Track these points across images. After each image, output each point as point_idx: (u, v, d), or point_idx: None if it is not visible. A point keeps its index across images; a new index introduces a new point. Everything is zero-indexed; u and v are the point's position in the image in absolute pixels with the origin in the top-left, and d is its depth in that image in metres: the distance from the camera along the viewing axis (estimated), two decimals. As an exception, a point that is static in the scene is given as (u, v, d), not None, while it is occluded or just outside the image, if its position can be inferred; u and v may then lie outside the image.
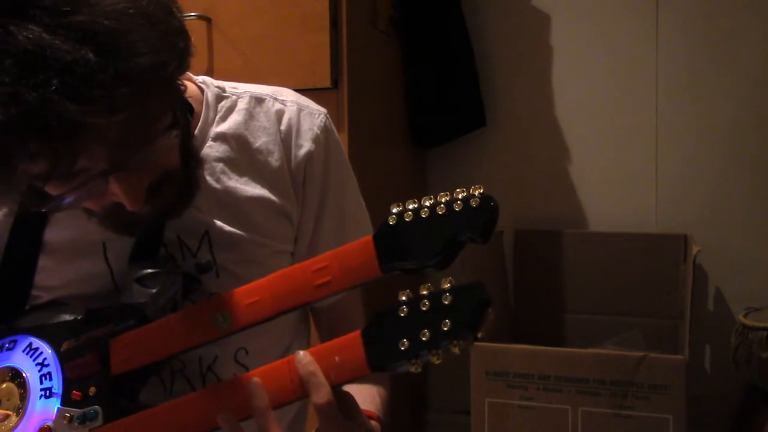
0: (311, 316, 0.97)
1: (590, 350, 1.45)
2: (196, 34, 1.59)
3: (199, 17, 1.57)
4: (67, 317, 0.77)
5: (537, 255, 1.92)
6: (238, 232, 0.82)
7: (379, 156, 1.72)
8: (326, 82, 1.51)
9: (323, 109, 0.91)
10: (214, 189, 0.82)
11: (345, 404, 0.67)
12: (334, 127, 0.91)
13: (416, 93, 1.87)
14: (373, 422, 0.75)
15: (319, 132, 0.88)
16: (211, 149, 0.83)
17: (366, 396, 0.83)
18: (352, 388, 0.70)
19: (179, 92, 0.75)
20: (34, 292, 0.81)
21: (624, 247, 1.84)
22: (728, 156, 1.82)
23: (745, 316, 1.57)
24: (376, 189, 1.74)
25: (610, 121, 1.91)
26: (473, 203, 0.61)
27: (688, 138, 1.85)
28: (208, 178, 0.82)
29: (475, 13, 1.96)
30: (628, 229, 1.87)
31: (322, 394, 0.64)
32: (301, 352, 0.66)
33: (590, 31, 1.91)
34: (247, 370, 0.84)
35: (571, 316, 1.88)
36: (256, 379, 0.66)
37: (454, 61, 1.89)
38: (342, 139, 1.53)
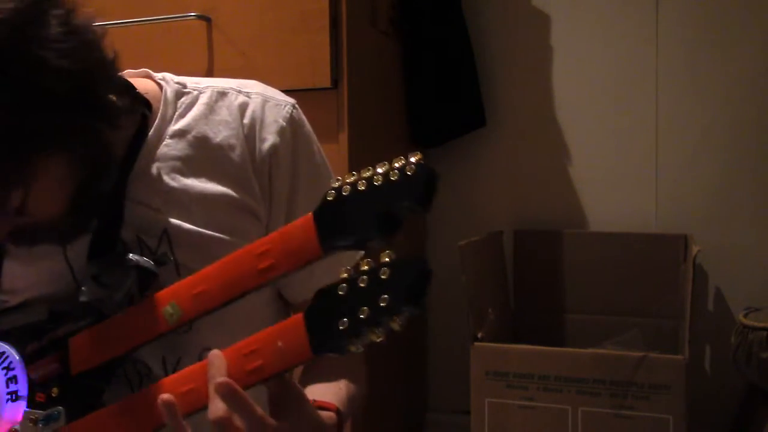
0: (291, 312, 0.93)
1: (590, 350, 1.45)
2: (196, 34, 1.59)
3: (199, 17, 1.57)
4: (31, 319, 0.77)
5: (537, 255, 1.92)
6: (198, 229, 0.80)
7: (378, 156, 1.70)
8: (326, 82, 1.51)
9: (291, 100, 0.88)
10: (172, 188, 0.81)
11: (290, 395, 0.65)
12: (303, 117, 0.88)
13: (416, 93, 1.87)
14: (328, 413, 0.72)
15: (285, 124, 0.84)
16: (168, 147, 0.82)
17: (330, 388, 0.80)
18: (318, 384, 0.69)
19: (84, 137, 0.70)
20: (1, 297, 0.80)
21: (624, 247, 1.83)
22: (728, 156, 1.82)
23: (745, 316, 1.57)
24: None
25: (610, 121, 1.91)
26: (408, 171, 0.58)
27: (688, 138, 1.85)
28: (164, 177, 0.81)
29: (475, 13, 1.96)
30: (628, 229, 1.86)
31: (213, 408, 0.61)
32: (214, 352, 0.64)
33: (590, 31, 1.91)
34: None
35: (571, 316, 1.88)
36: (166, 396, 0.64)
37: (454, 61, 1.89)
38: (342, 139, 1.55)
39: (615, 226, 1.89)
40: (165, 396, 0.63)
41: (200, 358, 0.81)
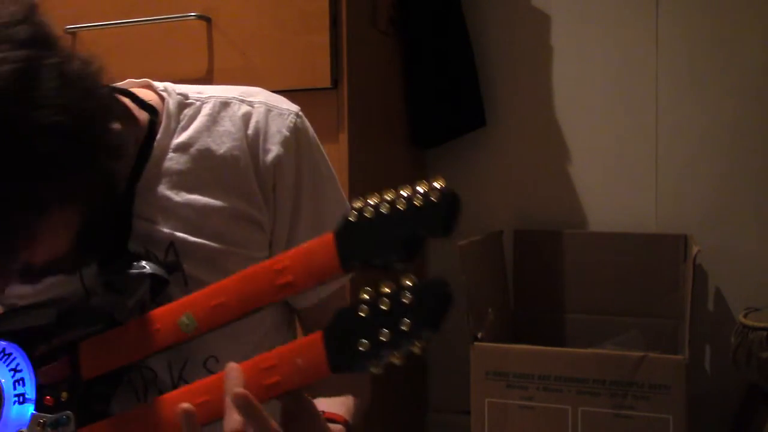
0: (297, 317, 0.94)
1: (590, 350, 1.45)
2: (196, 34, 1.59)
3: (199, 17, 1.57)
4: (40, 322, 0.76)
5: (537, 255, 1.92)
6: (204, 242, 0.80)
7: (379, 156, 1.72)
8: (326, 82, 1.51)
9: (295, 108, 0.86)
10: (176, 203, 0.80)
11: (303, 409, 0.66)
12: (308, 126, 0.87)
13: (416, 93, 1.87)
14: (337, 426, 0.73)
15: (288, 134, 0.83)
16: (172, 161, 0.81)
17: (338, 399, 0.81)
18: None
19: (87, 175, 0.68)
20: (7, 301, 0.80)
21: (624, 247, 1.83)
22: (728, 156, 1.82)
23: (745, 316, 1.57)
24: (375, 189, 1.74)
25: (610, 121, 1.91)
26: (433, 198, 0.59)
27: (688, 138, 1.85)
28: (169, 192, 0.80)
29: (475, 13, 1.96)
30: (628, 229, 1.86)
31: (229, 419, 0.62)
32: (231, 365, 0.64)
33: (590, 31, 1.91)
34: None
35: (571, 316, 1.88)
36: (186, 405, 0.64)
37: (454, 61, 1.89)
38: (342, 139, 1.55)
39: (615, 226, 1.89)
40: (185, 405, 0.64)
41: (205, 364, 0.82)
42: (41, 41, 0.63)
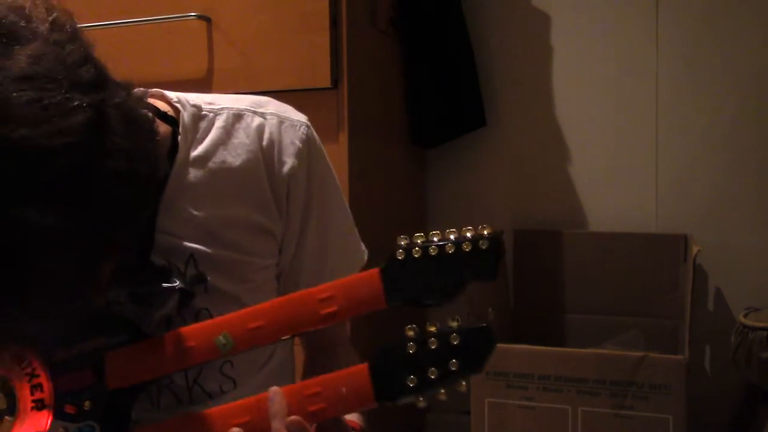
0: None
1: (590, 350, 1.45)
2: (196, 34, 1.59)
3: (199, 17, 1.57)
4: (57, 326, 0.75)
5: (537, 255, 1.92)
6: (222, 252, 0.82)
7: (379, 156, 1.72)
8: (326, 82, 1.51)
9: (304, 119, 0.89)
10: (194, 216, 0.81)
11: (339, 427, 0.68)
12: (316, 135, 0.89)
13: (416, 93, 1.87)
14: None
15: (301, 146, 0.86)
16: (191, 175, 0.82)
17: None
18: None
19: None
20: None
21: (624, 247, 1.84)
22: (728, 156, 1.82)
23: (745, 316, 1.57)
24: (375, 189, 1.75)
25: (610, 121, 1.91)
26: (482, 245, 0.63)
27: (688, 138, 1.85)
28: (188, 207, 0.81)
29: (475, 13, 1.96)
30: (628, 229, 1.86)
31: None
32: (274, 389, 0.66)
33: (590, 31, 1.91)
34: (233, 382, 0.84)
35: (571, 316, 1.88)
36: (237, 430, 0.66)
37: (454, 61, 1.89)
38: (342, 139, 1.55)
39: (615, 226, 1.89)
40: (236, 430, 0.66)
41: (221, 370, 0.83)
42: (102, 80, 0.63)
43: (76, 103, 0.58)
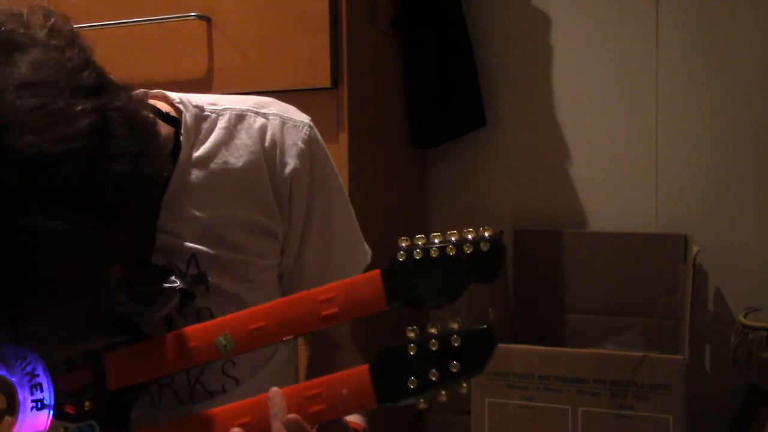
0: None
1: (590, 350, 1.45)
2: (196, 34, 1.59)
3: (199, 17, 1.57)
4: (65, 329, 0.76)
5: (537, 255, 1.92)
6: (223, 253, 0.82)
7: (378, 156, 1.72)
8: (326, 82, 1.51)
9: (307, 119, 0.89)
10: (196, 216, 0.81)
11: (340, 427, 0.68)
12: (319, 136, 0.89)
13: (416, 93, 1.87)
14: None
15: (304, 146, 0.86)
16: (193, 176, 0.82)
17: None
18: None
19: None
20: None
21: (624, 247, 1.83)
22: (728, 156, 1.82)
23: (745, 316, 1.57)
24: (375, 189, 1.75)
25: (610, 121, 1.91)
26: (483, 247, 0.63)
27: (688, 138, 1.85)
28: (190, 206, 0.81)
29: (475, 14, 1.96)
30: (628, 229, 1.86)
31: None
32: (274, 390, 0.66)
33: (590, 31, 1.91)
34: (236, 381, 0.84)
35: (571, 316, 1.88)
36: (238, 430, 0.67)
37: (454, 61, 1.88)
38: (342, 139, 1.55)
39: (615, 226, 1.89)
40: (236, 430, 0.66)
41: (222, 369, 0.83)
42: (103, 84, 0.63)
43: (79, 108, 0.58)
